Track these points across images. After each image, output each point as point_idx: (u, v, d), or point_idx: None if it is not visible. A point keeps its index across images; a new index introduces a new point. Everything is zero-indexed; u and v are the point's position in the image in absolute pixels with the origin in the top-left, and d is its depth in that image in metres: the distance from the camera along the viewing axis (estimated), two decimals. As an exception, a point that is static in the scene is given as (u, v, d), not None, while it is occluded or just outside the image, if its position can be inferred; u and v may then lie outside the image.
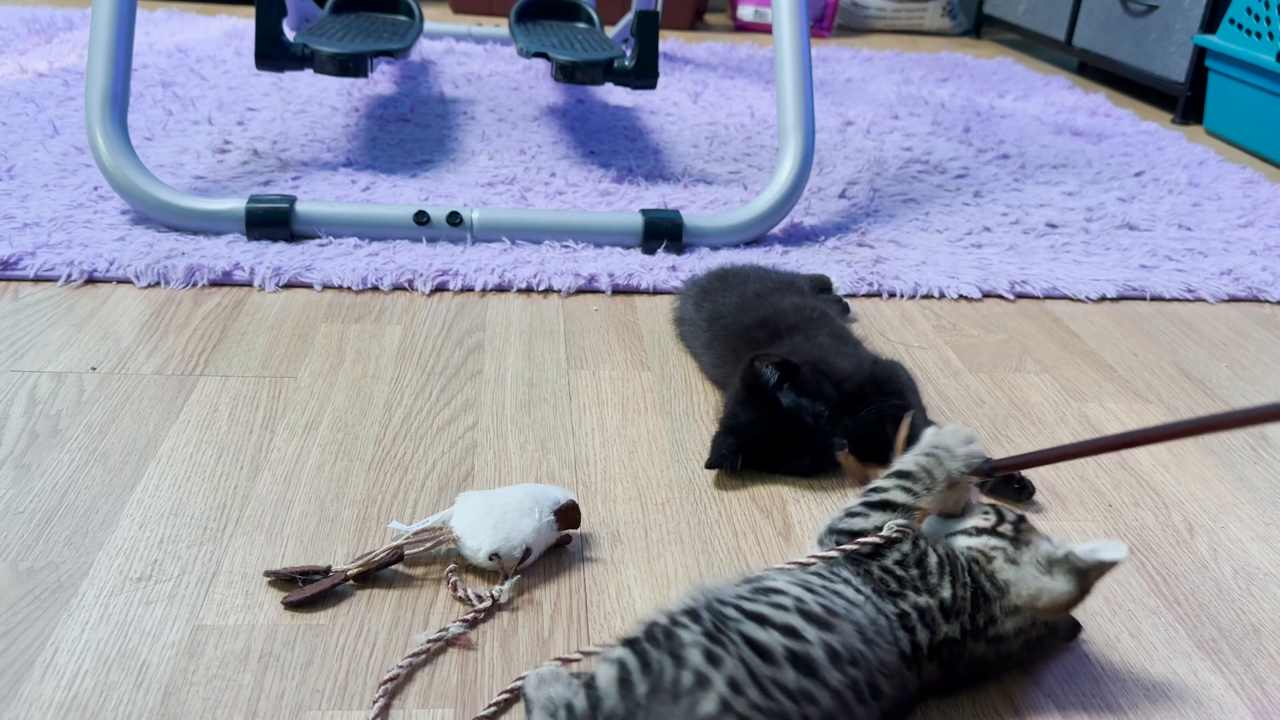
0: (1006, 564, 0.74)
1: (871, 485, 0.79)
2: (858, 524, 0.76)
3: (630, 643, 0.65)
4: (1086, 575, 0.73)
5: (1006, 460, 0.82)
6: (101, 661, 0.73)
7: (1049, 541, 0.75)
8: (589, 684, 0.64)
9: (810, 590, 0.69)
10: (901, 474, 0.78)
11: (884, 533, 0.74)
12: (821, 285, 1.34)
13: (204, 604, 0.79)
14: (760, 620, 0.65)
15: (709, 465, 0.98)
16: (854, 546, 0.74)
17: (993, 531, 0.76)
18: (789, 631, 0.65)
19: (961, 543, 0.76)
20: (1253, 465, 1.08)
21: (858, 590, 0.71)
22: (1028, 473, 1.00)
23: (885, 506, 0.76)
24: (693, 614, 0.66)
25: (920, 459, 0.78)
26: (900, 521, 0.75)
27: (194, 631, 0.76)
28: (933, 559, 0.73)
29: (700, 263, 1.44)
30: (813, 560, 0.74)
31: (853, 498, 0.79)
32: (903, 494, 0.77)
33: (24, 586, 0.79)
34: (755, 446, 0.98)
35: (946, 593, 0.72)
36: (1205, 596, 0.87)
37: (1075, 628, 0.80)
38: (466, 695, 0.72)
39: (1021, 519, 0.77)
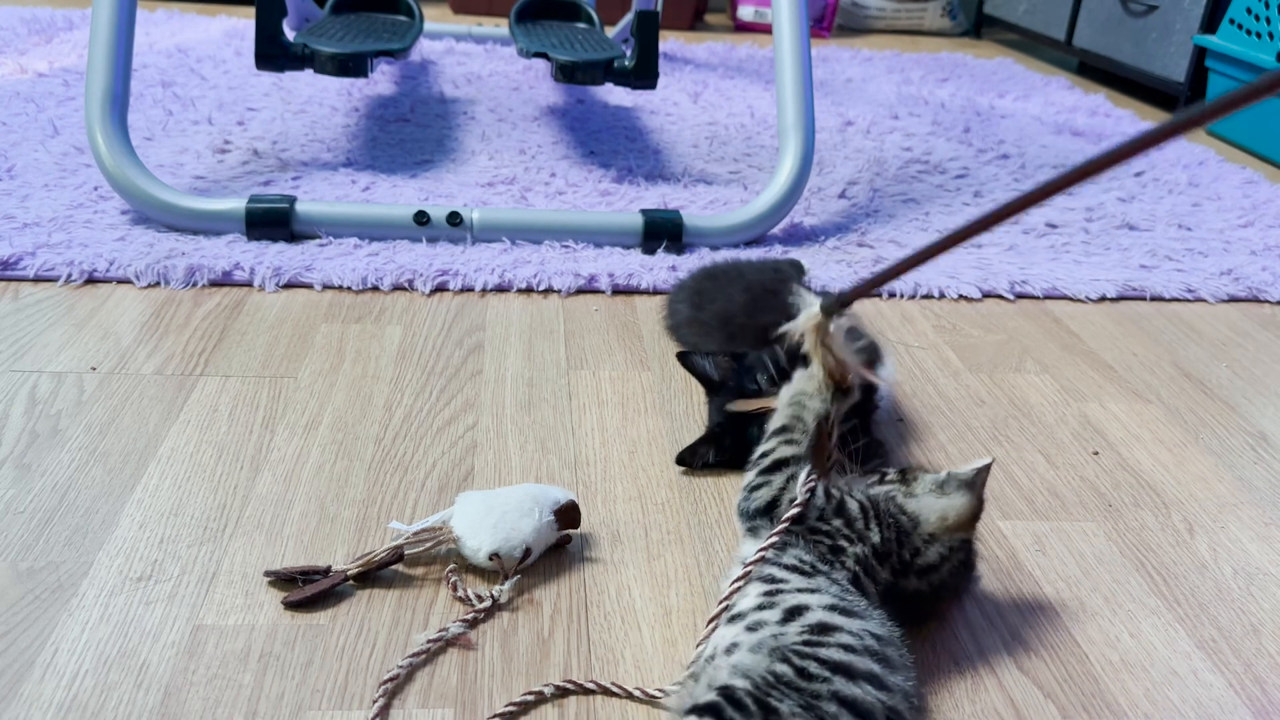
0: (907, 499, 0.79)
1: (758, 452, 0.83)
2: (766, 494, 0.79)
3: (713, 711, 0.61)
4: (973, 484, 0.79)
5: (856, 288, 0.80)
6: (101, 661, 0.73)
7: (930, 472, 0.81)
8: None
9: (846, 612, 0.69)
10: (777, 431, 0.83)
11: (801, 495, 0.77)
12: (799, 270, 1.37)
13: (204, 604, 0.79)
14: (849, 674, 0.64)
15: (677, 460, 1.00)
16: (788, 524, 0.77)
17: (881, 483, 0.82)
18: (876, 682, 0.64)
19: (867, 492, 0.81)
20: (1253, 465, 1.08)
21: (829, 577, 0.73)
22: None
23: (778, 466, 0.80)
24: (778, 676, 0.63)
25: (787, 411, 0.83)
26: (805, 473, 0.79)
27: (194, 631, 0.76)
28: (853, 504, 0.78)
29: (700, 263, 1.44)
30: (761, 556, 0.75)
31: (748, 473, 0.82)
32: (788, 447, 0.81)
33: (24, 586, 0.79)
34: (738, 443, 0.99)
35: (876, 536, 0.76)
36: (1205, 596, 0.87)
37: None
38: (466, 695, 0.72)
39: (904, 468, 0.83)
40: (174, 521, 0.87)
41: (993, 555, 0.90)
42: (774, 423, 0.83)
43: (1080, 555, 0.91)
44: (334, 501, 0.91)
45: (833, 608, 0.69)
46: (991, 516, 0.96)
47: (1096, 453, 1.08)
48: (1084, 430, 1.12)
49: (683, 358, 1.08)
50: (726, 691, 0.62)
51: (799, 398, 0.83)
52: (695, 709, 0.62)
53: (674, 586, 0.84)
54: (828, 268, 1.47)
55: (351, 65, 1.61)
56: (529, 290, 1.37)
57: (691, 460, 1.00)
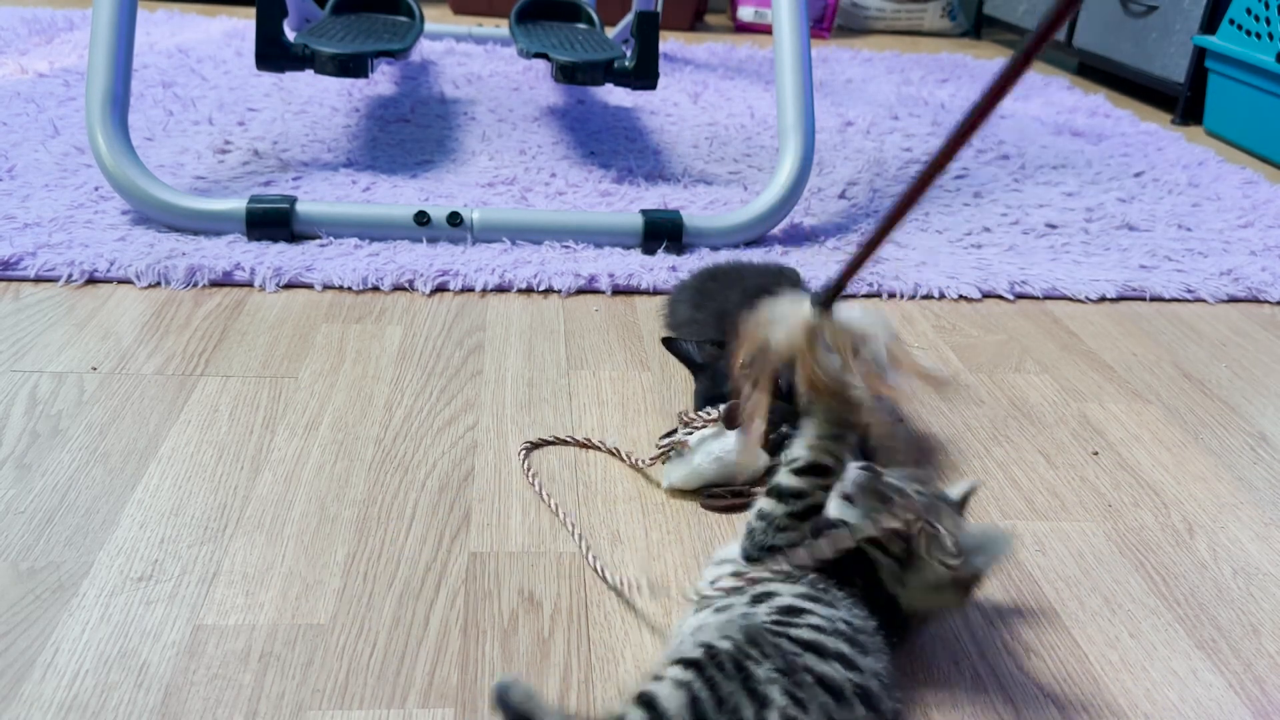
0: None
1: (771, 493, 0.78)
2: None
3: (695, 665, 0.62)
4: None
5: (842, 273, 0.70)
6: (102, 661, 0.73)
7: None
8: (647, 702, 0.60)
9: (817, 600, 0.70)
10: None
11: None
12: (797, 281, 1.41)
13: (204, 604, 0.79)
14: (819, 651, 0.64)
15: (663, 341, 1.08)
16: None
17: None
18: (846, 662, 0.65)
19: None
20: (1252, 465, 1.08)
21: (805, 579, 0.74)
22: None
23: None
24: (755, 643, 0.63)
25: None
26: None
27: (194, 631, 0.76)
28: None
29: (701, 264, 1.44)
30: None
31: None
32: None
33: (24, 586, 0.79)
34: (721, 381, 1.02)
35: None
36: (1205, 596, 0.87)
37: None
38: (466, 695, 0.72)
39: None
40: (174, 521, 0.87)
41: (993, 555, 0.90)
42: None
43: (1080, 555, 0.91)
44: (334, 501, 0.92)
45: (803, 595, 0.70)
46: (992, 516, 0.96)
47: (1096, 453, 1.08)
48: (1084, 430, 1.12)
49: (668, 343, 1.10)
50: (710, 650, 0.63)
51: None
52: (680, 661, 0.62)
53: (674, 587, 0.84)
54: (828, 268, 1.47)
55: (352, 66, 1.61)
56: (529, 290, 1.37)
57: (675, 346, 1.05)
